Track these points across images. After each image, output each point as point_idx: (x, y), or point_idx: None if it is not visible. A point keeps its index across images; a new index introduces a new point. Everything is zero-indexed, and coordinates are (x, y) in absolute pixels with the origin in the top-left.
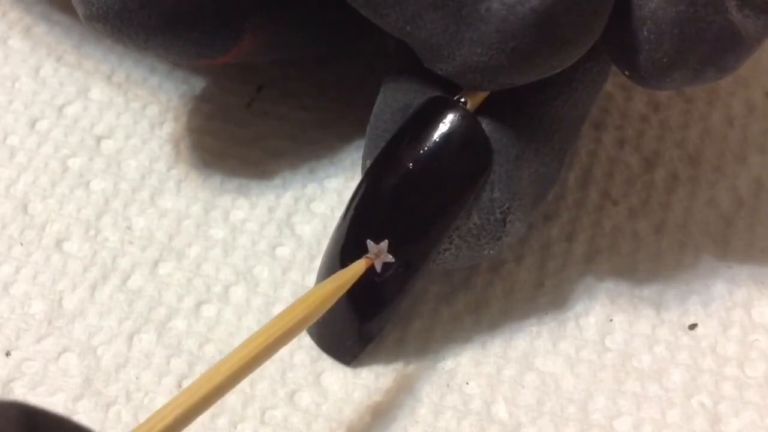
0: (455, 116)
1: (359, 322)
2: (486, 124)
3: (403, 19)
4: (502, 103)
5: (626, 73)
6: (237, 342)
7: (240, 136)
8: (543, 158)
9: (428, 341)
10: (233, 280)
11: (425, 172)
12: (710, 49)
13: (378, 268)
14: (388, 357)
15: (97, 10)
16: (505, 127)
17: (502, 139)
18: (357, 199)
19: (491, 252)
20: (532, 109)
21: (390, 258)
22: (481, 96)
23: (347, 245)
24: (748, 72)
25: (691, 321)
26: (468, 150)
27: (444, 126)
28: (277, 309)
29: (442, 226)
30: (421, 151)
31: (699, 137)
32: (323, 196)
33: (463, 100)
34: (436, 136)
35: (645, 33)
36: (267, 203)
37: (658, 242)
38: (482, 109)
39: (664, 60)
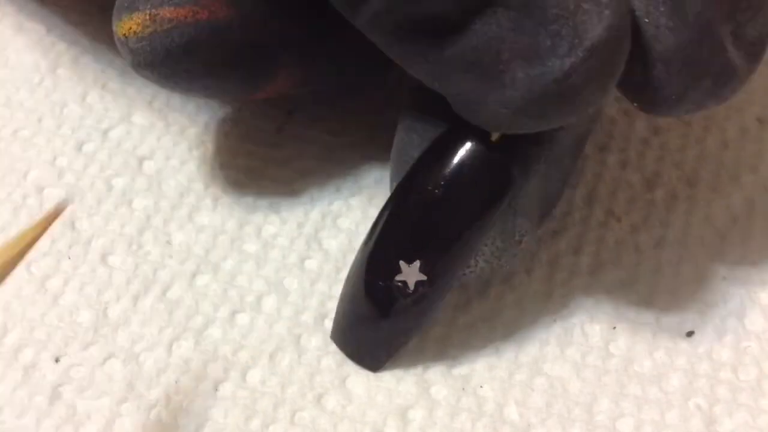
0: (478, 146)
1: (390, 334)
2: (505, 156)
3: (432, 76)
4: (520, 139)
5: (635, 105)
6: (268, 348)
7: (272, 157)
8: (550, 182)
9: (445, 348)
10: (265, 291)
11: (449, 197)
12: (712, 85)
13: (411, 286)
14: (409, 362)
15: (144, 59)
16: (523, 160)
17: (521, 172)
18: (383, 221)
19: (507, 267)
20: (546, 143)
21: (423, 277)
22: None
23: (374, 265)
24: (741, 99)
25: (689, 328)
26: (489, 178)
27: (467, 154)
28: (306, 317)
29: (465, 247)
30: (445, 178)
31: (696, 159)
32: (348, 212)
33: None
34: (459, 163)
35: (655, 73)
36: (296, 219)
37: (658, 256)
38: (502, 141)
39: (673, 97)
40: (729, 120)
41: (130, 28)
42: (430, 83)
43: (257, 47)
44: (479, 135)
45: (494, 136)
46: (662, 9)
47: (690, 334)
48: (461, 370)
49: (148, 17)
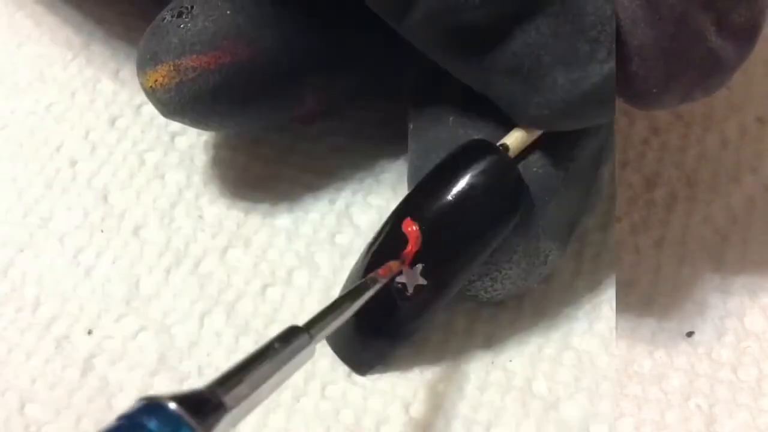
0: (495, 159)
1: (382, 337)
2: (519, 174)
3: (482, 81)
4: (541, 161)
5: (623, 99)
6: (300, 322)
7: (304, 132)
8: (572, 200)
9: (475, 323)
10: (296, 265)
11: (460, 208)
12: (694, 75)
13: (410, 289)
14: (439, 337)
15: (174, 108)
16: (545, 183)
17: (544, 196)
18: (392, 222)
19: (534, 285)
20: (567, 162)
21: (422, 281)
22: (521, 143)
23: (376, 264)
24: (740, 99)
25: (688, 329)
26: (503, 191)
27: (483, 167)
28: (336, 292)
29: (470, 259)
30: (458, 189)
31: (696, 159)
32: (379, 189)
33: (504, 144)
34: (475, 175)
35: (634, 68)
36: (328, 195)
37: (658, 256)
38: (524, 163)
39: (654, 90)
40: (728, 120)
41: (156, 80)
42: (474, 86)
43: (282, 78)
44: (497, 150)
45: (511, 150)
46: (638, 2)
47: (690, 334)
48: (490, 344)
49: (172, 68)
